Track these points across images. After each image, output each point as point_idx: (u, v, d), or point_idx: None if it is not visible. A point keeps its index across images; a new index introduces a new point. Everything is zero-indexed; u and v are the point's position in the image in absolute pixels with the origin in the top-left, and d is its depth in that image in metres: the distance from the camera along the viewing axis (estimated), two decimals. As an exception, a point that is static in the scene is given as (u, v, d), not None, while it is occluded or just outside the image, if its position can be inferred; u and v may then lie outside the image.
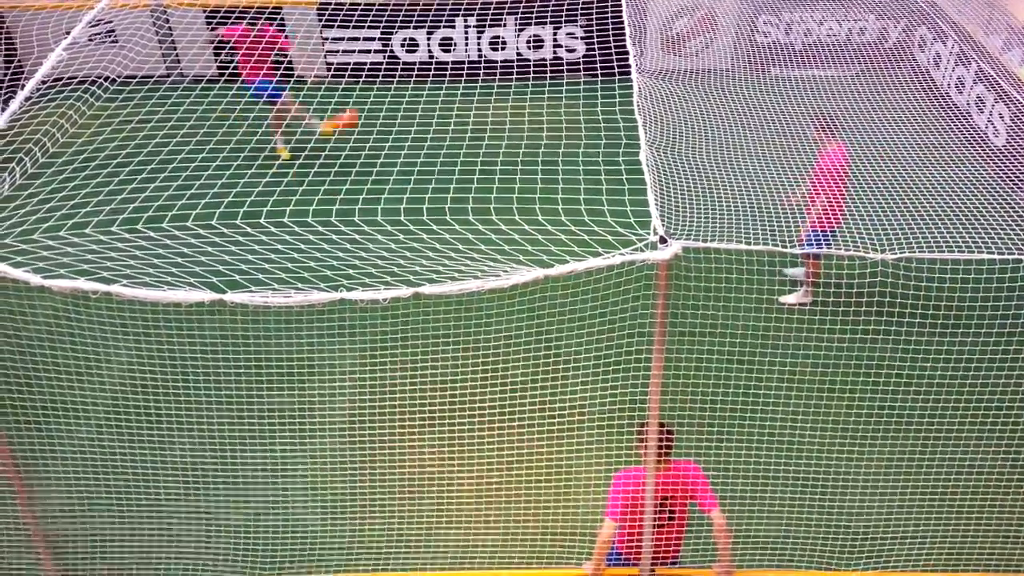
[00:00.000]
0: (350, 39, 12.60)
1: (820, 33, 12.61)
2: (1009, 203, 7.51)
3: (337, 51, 12.63)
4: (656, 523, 5.25)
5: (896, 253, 5.11)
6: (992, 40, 11.14)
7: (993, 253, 5.55)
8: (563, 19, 12.44)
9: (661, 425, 5.04)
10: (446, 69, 12.41)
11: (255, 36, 10.51)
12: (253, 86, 10.54)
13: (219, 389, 7.16)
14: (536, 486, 6.62)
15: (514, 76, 11.86)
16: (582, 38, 12.63)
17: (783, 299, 8.69)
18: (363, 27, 12.23)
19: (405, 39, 12.70)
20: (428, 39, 12.73)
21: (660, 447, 5.03)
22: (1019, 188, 8.22)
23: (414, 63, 12.71)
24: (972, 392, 6.97)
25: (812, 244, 8.17)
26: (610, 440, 6.87)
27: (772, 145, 8.90)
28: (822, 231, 8.20)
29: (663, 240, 4.71)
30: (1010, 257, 5.46)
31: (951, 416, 6.87)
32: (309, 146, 9.45)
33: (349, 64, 12.51)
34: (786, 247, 5.42)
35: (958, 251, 5.88)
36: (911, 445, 6.85)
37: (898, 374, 7.04)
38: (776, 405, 6.92)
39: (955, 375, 7.02)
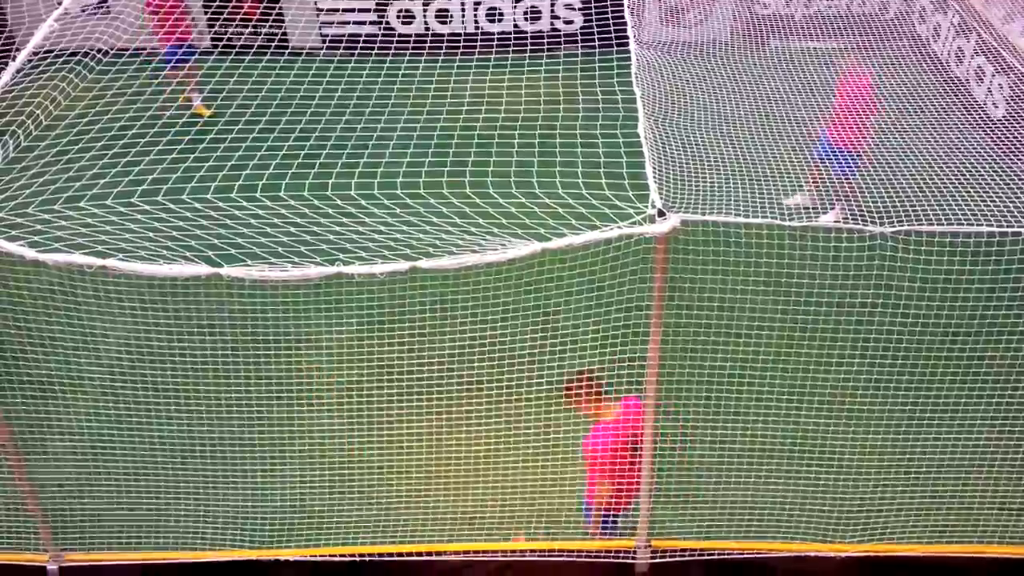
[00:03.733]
0: (345, 10, 12.47)
1: (820, 4, 12.50)
2: (1007, 174, 7.48)
3: (332, 23, 12.51)
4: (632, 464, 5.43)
5: (895, 225, 5.09)
6: (993, 10, 11.04)
7: (992, 225, 5.54)
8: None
9: (587, 374, 5.32)
10: (442, 41, 12.32)
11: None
12: (163, 52, 10.74)
13: (216, 363, 7.15)
14: (534, 459, 6.64)
15: (511, 48, 11.77)
16: (580, 9, 12.50)
17: (786, 201, 8.71)
18: (358, -2, 12.14)
19: (401, 11, 12.57)
20: (424, 10, 12.60)
21: (592, 393, 5.32)
22: (1017, 159, 8.18)
23: (410, 35, 12.58)
24: (970, 364, 6.98)
25: (834, 161, 8.31)
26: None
27: (771, 117, 8.85)
28: (847, 151, 8.35)
29: (661, 213, 4.69)
30: (1009, 230, 5.44)
31: (948, 388, 6.87)
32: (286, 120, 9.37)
33: (344, 36, 12.42)
34: (784, 220, 5.39)
35: (957, 224, 5.86)
36: (907, 417, 6.86)
37: (896, 346, 7.04)
38: (773, 378, 6.92)
39: (952, 347, 7.03)
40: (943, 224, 5.79)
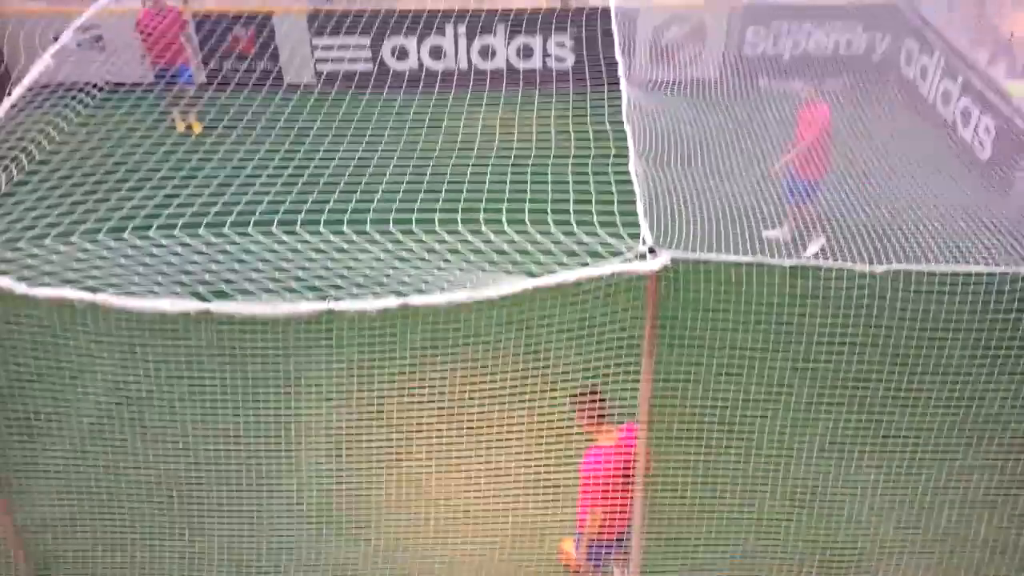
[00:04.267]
0: (340, 47, 12.58)
1: (808, 46, 12.68)
2: (994, 214, 7.55)
3: (327, 59, 12.61)
4: (623, 492, 5.36)
5: (884, 265, 5.12)
6: (978, 53, 11.22)
7: (980, 265, 5.58)
8: (553, 28, 12.46)
9: (594, 392, 5.27)
10: (436, 78, 12.44)
11: (155, 19, 10.74)
12: (154, 72, 10.96)
13: (204, 400, 7.10)
14: (525, 497, 6.59)
15: (504, 85, 11.87)
16: (571, 48, 12.65)
17: (766, 233, 8.89)
18: (353, 35, 12.24)
19: (395, 47, 12.69)
20: (418, 47, 12.72)
21: (595, 414, 5.26)
22: (1003, 199, 8.27)
23: (404, 72, 12.71)
24: (959, 405, 6.99)
25: (798, 193, 8.81)
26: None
27: (760, 155, 8.94)
28: (806, 181, 8.74)
29: (652, 251, 4.71)
30: (997, 270, 5.48)
31: (939, 429, 6.87)
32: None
33: (339, 72, 12.53)
34: (775, 258, 5.42)
35: (945, 263, 5.90)
36: (900, 459, 6.85)
37: (886, 387, 7.05)
38: (765, 418, 6.91)
39: (942, 388, 7.03)
40: (932, 264, 5.83)
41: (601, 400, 5.30)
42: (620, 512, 5.42)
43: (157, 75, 11.02)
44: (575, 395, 5.42)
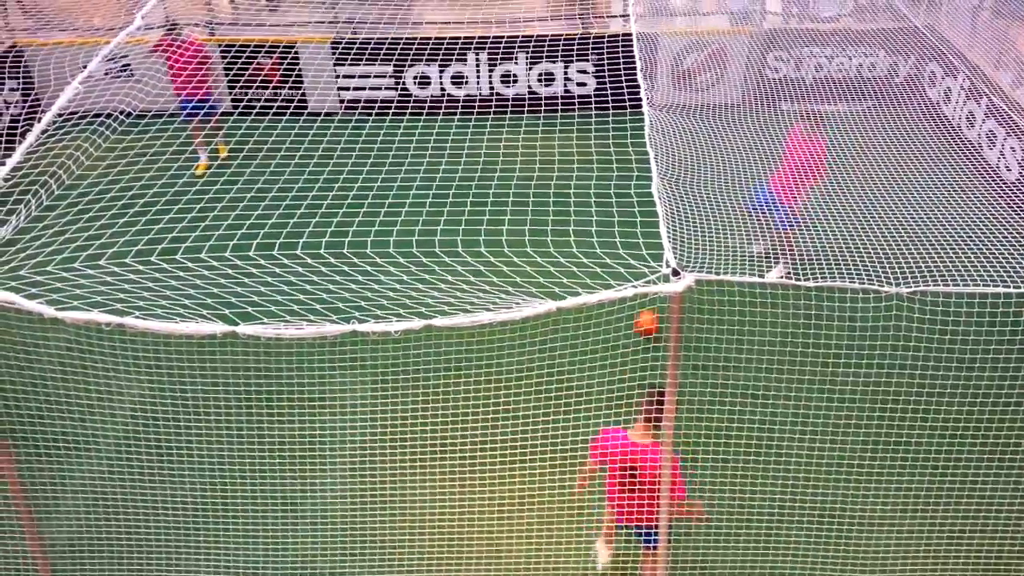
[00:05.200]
0: (362, 75, 12.72)
1: (831, 68, 12.67)
2: (1021, 235, 7.47)
3: (349, 87, 12.75)
4: (624, 482, 5.60)
5: (911, 287, 5.07)
6: (1003, 75, 11.17)
7: (1009, 286, 5.51)
8: (575, 55, 12.53)
9: (661, 394, 5.34)
10: (458, 104, 12.52)
11: (178, 50, 10.77)
12: (178, 102, 10.96)
13: (230, 422, 7.14)
14: (548, 519, 6.55)
15: (525, 110, 11.94)
16: (593, 73, 12.71)
17: (753, 248, 9.06)
18: (375, 63, 12.37)
19: (417, 74, 12.81)
20: (440, 74, 12.83)
21: (652, 416, 5.43)
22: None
23: (426, 98, 12.81)
24: (989, 429, 6.89)
25: (783, 220, 8.74)
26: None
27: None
28: (787, 206, 8.72)
29: (676, 272, 4.70)
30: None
31: (968, 453, 6.77)
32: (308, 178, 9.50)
33: (361, 100, 12.66)
34: (798, 279, 5.38)
35: (972, 284, 5.84)
36: (927, 482, 6.75)
37: (914, 409, 6.96)
38: (791, 439, 6.84)
39: (971, 411, 6.94)
40: (959, 285, 5.77)
41: (660, 403, 5.45)
42: (632, 503, 5.63)
43: (181, 105, 11.16)
44: (646, 392, 5.58)
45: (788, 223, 8.75)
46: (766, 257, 9.15)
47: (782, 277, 8.56)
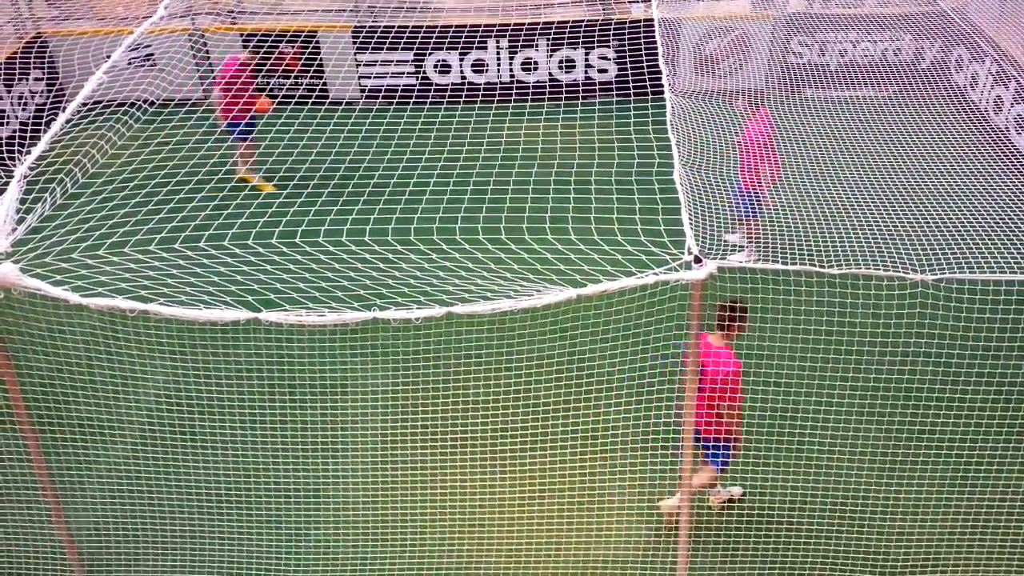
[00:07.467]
0: (383, 63, 12.72)
1: (855, 54, 12.52)
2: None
3: (370, 75, 12.75)
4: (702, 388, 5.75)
5: (936, 274, 5.02)
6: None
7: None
8: (595, 41, 12.46)
9: (735, 304, 5.80)
10: (478, 91, 12.49)
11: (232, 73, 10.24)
12: (226, 124, 10.33)
13: (253, 408, 7.19)
14: (569, 507, 6.56)
15: (546, 97, 11.89)
16: (614, 59, 12.64)
17: (728, 237, 9.01)
18: (396, 50, 12.37)
19: (438, 62, 12.79)
20: (461, 61, 12.81)
21: (727, 325, 5.80)
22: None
23: (446, 86, 12.80)
24: (1016, 417, 6.81)
25: (745, 206, 8.72)
26: (643, 462, 6.79)
27: (804, 164, 8.83)
28: (752, 192, 8.64)
29: (697, 260, 4.68)
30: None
31: (994, 443, 6.70)
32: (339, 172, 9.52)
33: (382, 87, 12.67)
34: (822, 267, 5.34)
35: (999, 271, 5.77)
36: (952, 471, 6.69)
37: (938, 397, 6.90)
38: (814, 429, 6.80)
39: (997, 399, 6.87)
40: (986, 271, 5.70)
41: (741, 312, 5.81)
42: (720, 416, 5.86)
43: (228, 127, 10.40)
44: (725, 304, 5.84)
45: (753, 211, 8.72)
46: (740, 248, 9.10)
47: (747, 261, 8.57)
